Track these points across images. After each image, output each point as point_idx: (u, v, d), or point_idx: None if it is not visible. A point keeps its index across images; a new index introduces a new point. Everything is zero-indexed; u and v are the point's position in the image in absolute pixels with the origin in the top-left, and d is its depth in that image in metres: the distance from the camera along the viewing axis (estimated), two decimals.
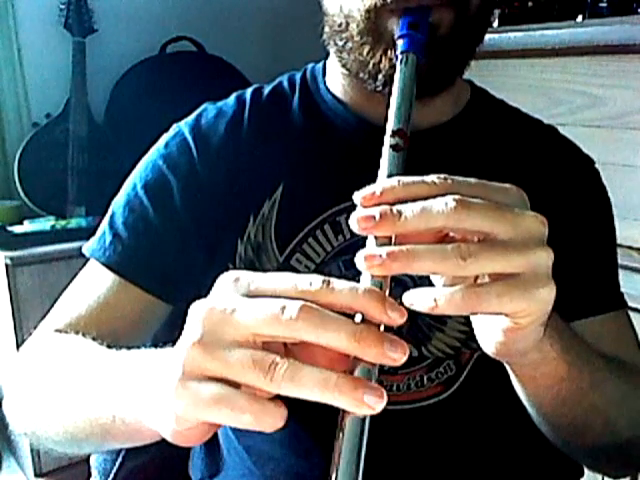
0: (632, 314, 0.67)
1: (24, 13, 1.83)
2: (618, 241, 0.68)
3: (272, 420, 0.31)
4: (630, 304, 0.67)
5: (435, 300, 0.34)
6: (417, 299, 0.35)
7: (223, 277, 0.35)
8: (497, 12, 1.61)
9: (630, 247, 1.28)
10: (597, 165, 0.69)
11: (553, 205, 0.59)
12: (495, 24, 1.59)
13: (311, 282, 0.33)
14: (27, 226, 1.68)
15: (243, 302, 0.33)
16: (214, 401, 0.32)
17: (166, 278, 0.61)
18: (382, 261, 0.33)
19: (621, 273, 0.68)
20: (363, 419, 0.32)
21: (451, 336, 0.61)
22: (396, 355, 0.31)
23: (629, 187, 1.29)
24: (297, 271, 0.59)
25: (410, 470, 0.63)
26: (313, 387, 0.31)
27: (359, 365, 0.33)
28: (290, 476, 0.63)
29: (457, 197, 0.34)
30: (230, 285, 0.34)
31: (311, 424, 0.62)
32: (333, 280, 0.33)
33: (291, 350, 0.35)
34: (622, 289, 0.67)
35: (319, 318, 0.32)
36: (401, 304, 0.34)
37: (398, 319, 0.33)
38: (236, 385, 0.32)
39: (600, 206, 0.68)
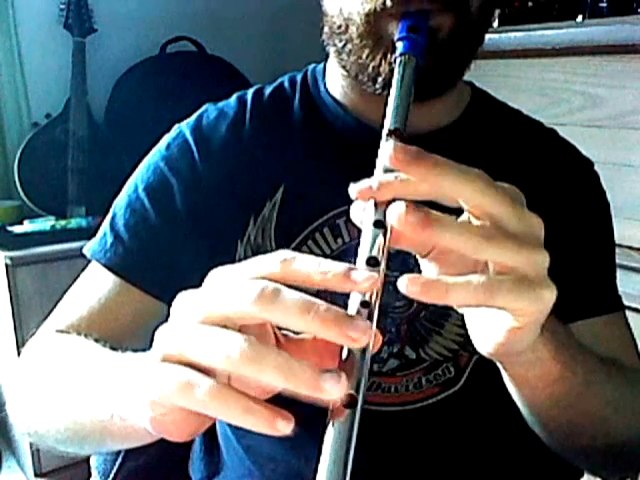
0: (632, 314, 0.67)
1: (24, 13, 1.83)
2: (618, 241, 0.68)
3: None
4: (630, 304, 0.67)
5: (447, 289, 0.33)
6: (426, 285, 0.33)
7: (213, 272, 0.36)
8: (497, 12, 1.61)
9: (630, 247, 1.28)
10: (597, 165, 0.69)
11: (552, 207, 0.59)
12: (495, 24, 1.59)
13: (272, 262, 0.32)
14: (27, 226, 1.69)
15: (216, 291, 0.33)
16: (182, 383, 0.32)
17: (167, 280, 0.61)
18: (404, 209, 0.33)
19: (621, 273, 0.68)
20: (354, 411, 0.32)
21: (449, 339, 0.61)
22: (356, 334, 0.30)
23: (629, 187, 1.30)
24: None
25: (408, 470, 0.63)
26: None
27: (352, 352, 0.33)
28: (290, 476, 0.63)
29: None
30: (214, 278, 0.35)
31: (311, 424, 0.62)
32: (297, 255, 0.33)
33: (282, 345, 0.36)
34: (622, 289, 0.67)
35: (274, 297, 0.31)
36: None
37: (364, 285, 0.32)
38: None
39: (599, 209, 0.68)
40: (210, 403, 0.31)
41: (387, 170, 0.39)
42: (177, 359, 0.33)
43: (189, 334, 0.33)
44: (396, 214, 0.33)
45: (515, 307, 0.35)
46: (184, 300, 0.35)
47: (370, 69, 0.55)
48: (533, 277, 0.35)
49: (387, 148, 0.34)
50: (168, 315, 0.65)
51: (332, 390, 0.30)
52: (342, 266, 0.32)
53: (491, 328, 0.39)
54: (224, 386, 0.31)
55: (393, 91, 0.45)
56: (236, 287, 0.32)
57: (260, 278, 0.32)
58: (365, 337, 0.30)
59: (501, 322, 0.38)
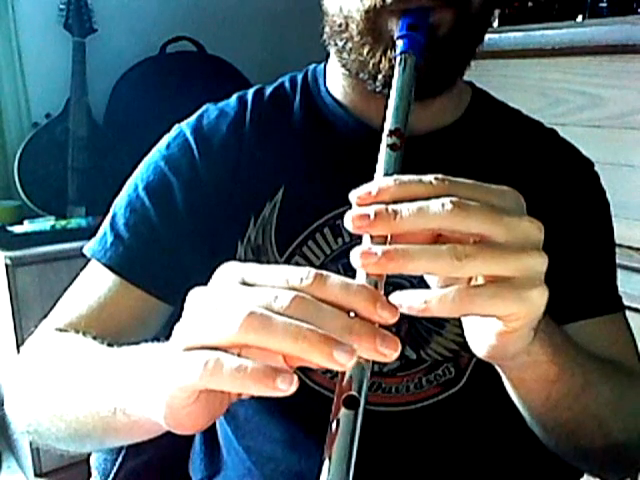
0: (632, 314, 0.67)
1: (24, 13, 1.83)
2: (618, 241, 0.68)
3: (282, 382, 0.30)
4: (630, 304, 0.67)
5: (426, 301, 0.34)
6: (407, 300, 0.34)
7: (222, 268, 0.36)
8: (497, 12, 1.61)
9: (630, 247, 1.28)
10: (597, 165, 0.69)
11: (552, 208, 0.59)
12: (495, 24, 1.59)
13: (303, 277, 0.33)
14: (27, 226, 1.68)
15: (239, 290, 0.34)
16: (213, 362, 0.32)
17: (166, 279, 0.61)
18: (377, 259, 0.33)
19: (621, 273, 0.68)
20: (356, 413, 0.32)
21: (450, 339, 0.61)
22: (387, 351, 0.31)
23: (629, 187, 1.30)
24: None
25: (409, 470, 0.63)
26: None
27: None
28: (290, 476, 0.63)
29: (454, 199, 0.34)
30: (228, 275, 0.35)
31: (311, 424, 0.62)
32: (326, 274, 0.33)
33: None
34: (622, 289, 0.67)
35: (311, 308, 0.32)
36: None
37: (389, 318, 0.32)
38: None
39: (599, 209, 0.67)
40: (243, 377, 0.31)
41: (386, 174, 0.39)
42: (199, 348, 0.33)
43: (206, 323, 0.33)
44: (358, 252, 0.34)
45: (502, 312, 0.35)
46: (196, 296, 0.35)
47: (370, 66, 0.55)
48: (521, 281, 0.34)
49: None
50: (167, 314, 0.65)
51: (341, 358, 0.30)
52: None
53: (485, 331, 0.39)
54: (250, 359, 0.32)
55: (393, 91, 0.45)
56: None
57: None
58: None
59: (492, 327, 0.38)
